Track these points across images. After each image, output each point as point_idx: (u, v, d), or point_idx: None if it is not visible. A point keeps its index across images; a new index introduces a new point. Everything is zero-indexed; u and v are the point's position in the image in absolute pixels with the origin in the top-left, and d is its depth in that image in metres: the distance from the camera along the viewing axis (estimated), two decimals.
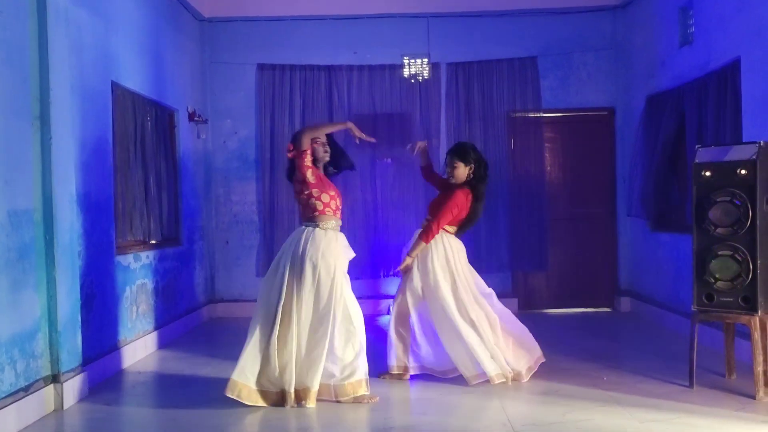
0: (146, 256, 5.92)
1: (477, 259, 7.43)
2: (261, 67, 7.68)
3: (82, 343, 4.62)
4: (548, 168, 7.71)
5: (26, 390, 3.96)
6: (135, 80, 5.77)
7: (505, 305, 4.94)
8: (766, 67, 4.77)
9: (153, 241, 6.16)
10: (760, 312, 4.15)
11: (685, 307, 6.06)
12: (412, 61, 7.53)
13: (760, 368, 4.15)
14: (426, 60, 7.47)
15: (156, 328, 6.03)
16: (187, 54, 7.16)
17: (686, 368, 4.57)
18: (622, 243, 7.63)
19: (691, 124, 5.96)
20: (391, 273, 4.61)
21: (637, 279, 7.37)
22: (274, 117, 7.67)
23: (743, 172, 4.19)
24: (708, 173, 4.36)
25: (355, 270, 7.63)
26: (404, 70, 7.51)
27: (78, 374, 4.43)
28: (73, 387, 4.34)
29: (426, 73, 7.54)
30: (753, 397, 4.16)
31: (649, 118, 6.80)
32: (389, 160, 7.72)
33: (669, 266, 6.48)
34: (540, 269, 7.56)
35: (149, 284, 5.95)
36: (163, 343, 6.11)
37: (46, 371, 4.20)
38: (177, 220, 6.77)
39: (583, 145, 7.73)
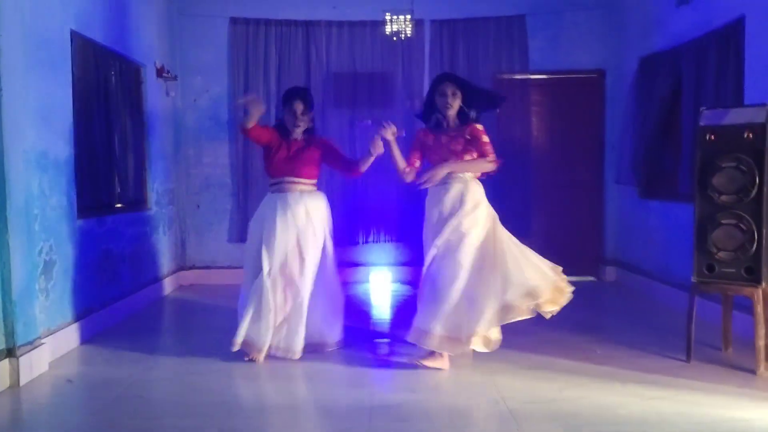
0: (111, 220, 5.54)
1: None
2: (234, 21, 7.24)
3: (41, 313, 4.28)
4: (534, 132, 7.43)
5: None
6: (97, 30, 5.33)
7: None
8: None
9: (119, 205, 5.78)
10: (764, 284, 3.94)
11: (676, 277, 5.88)
12: (395, 17, 7.08)
13: (761, 342, 3.95)
14: (409, 16, 7.05)
15: (123, 297, 5.68)
16: (155, 4, 6.68)
17: (680, 341, 4.39)
18: (609, 210, 7.41)
19: (688, 86, 5.70)
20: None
21: (624, 248, 7.17)
22: (248, 75, 7.25)
23: (750, 136, 3.95)
24: (712, 137, 4.11)
25: (333, 236, 7.38)
26: (386, 26, 7.08)
27: (36, 348, 4.08)
28: (30, 361, 4.00)
29: (409, 31, 7.12)
30: (753, 372, 3.97)
31: (641, 80, 6.53)
32: (369, 121, 7.34)
33: (659, 235, 6.28)
34: (521, 235, 7.29)
35: (115, 250, 5.59)
36: (131, 312, 5.77)
37: (1, 344, 3.85)
38: (144, 183, 6.38)
39: (572, 108, 7.45)
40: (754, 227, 3.92)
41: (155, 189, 6.57)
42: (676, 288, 5.84)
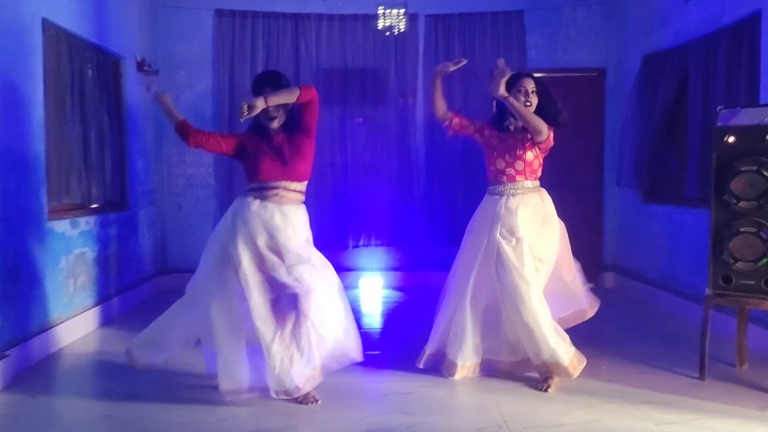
0: (86, 222, 5.20)
1: (453, 225, 6.88)
2: (219, 13, 6.90)
3: (6, 322, 3.96)
4: None
5: None
6: (72, 19, 4.99)
7: None
8: None
9: (94, 205, 5.44)
10: None
11: (681, 285, 5.62)
12: (388, 11, 6.79)
13: None
14: (403, 11, 6.75)
15: (97, 303, 5.35)
16: None
17: (691, 355, 4.16)
18: (608, 214, 7.14)
19: (695, 85, 5.43)
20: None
21: (624, 253, 6.90)
22: (234, 70, 6.91)
23: None
24: (732, 138, 3.83)
25: (322, 239, 7.07)
26: (379, 21, 6.78)
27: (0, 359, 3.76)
28: None
29: (402, 26, 6.83)
30: None
31: (645, 79, 6.26)
32: (361, 119, 7.06)
33: (662, 241, 6.00)
34: None
35: (89, 253, 5.25)
36: (105, 320, 5.44)
37: None
38: (123, 182, 6.04)
39: (571, 108, 6.92)
40: None
41: (135, 189, 6.23)
42: (680, 297, 5.58)
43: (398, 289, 7.00)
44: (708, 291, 3.93)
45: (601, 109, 7.12)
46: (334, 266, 7.12)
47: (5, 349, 3.89)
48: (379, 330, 5.36)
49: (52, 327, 4.59)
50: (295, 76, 6.91)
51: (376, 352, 4.56)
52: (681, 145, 5.74)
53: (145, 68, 6.34)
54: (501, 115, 4.07)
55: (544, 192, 4.07)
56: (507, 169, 3.94)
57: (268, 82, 3.63)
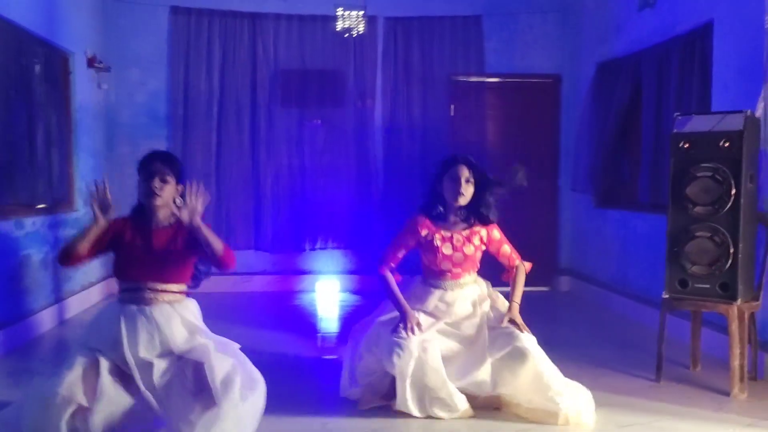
0: (32, 223, 5.01)
1: None
2: (175, 10, 6.75)
3: None
4: (490, 137, 7.17)
5: None
6: (18, 11, 4.80)
7: None
8: (744, 31, 4.33)
9: (41, 206, 5.24)
10: (739, 300, 3.73)
11: (633, 288, 5.72)
12: (347, 12, 6.74)
13: (736, 362, 3.74)
14: (362, 12, 6.71)
15: (44, 308, 5.15)
16: None
17: (646, 357, 4.27)
18: (563, 219, 7.22)
19: (648, 93, 5.53)
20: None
21: (579, 257, 6.99)
22: (189, 68, 6.77)
23: (727, 144, 3.74)
24: (687, 145, 3.89)
25: (278, 242, 6.98)
26: (338, 22, 6.73)
27: None
28: None
29: (361, 27, 6.79)
30: (727, 394, 3.76)
31: (599, 86, 6.35)
32: (319, 121, 6.99)
33: (615, 245, 6.10)
34: None
35: (36, 255, 5.05)
36: (53, 324, 5.25)
37: None
38: (71, 182, 5.84)
39: (527, 113, 7.23)
40: (730, 240, 3.72)
41: (84, 188, 6.03)
42: (632, 300, 5.67)
43: (355, 292, 6.94)
44: (665, 294, 3.99)
45: (557, 115, 7.21)
46: (289, 270, 7.05)
47: None
48: (336, 333, 5.29)
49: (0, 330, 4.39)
50: (252, 76, 6.83)
51: (334, 356, 4.49)
52: (634, 152, 5.84)
53: (96, 65, 6.16)
54: (434, 198, 3.63)
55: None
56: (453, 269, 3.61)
57: (158, 158, 3.14)
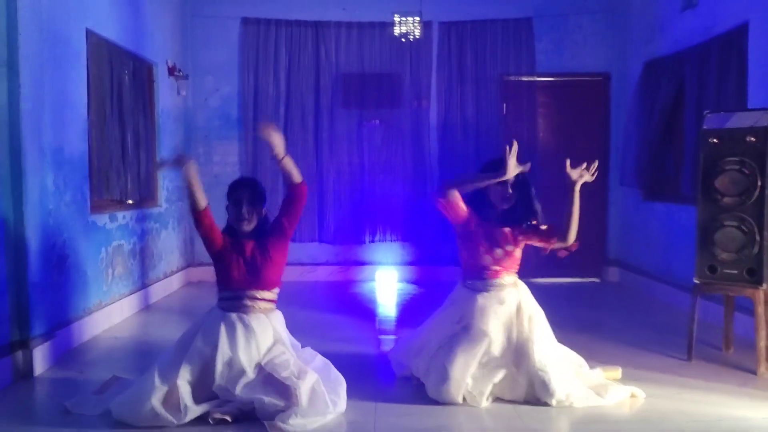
0: (123, 217, 5.63)
1: None
2: (245, 21, 7.33)
3: (54, 306, 4.37)
4: (541, 134, 7.50)
5: None
6: (111, 29, 5.42)
7: None
8: None
9: (130, 201, 5.87)
10: (765, 285, 4.00)
11: (676, 277, 5.95)
12: (404, 19, 7.16)
13: (763, 343, 4.02)
14: (418, 18, 7.12)
15: (133, 292, 5.78)
16: (168, 5, 6.79)
17: (681, 341, 4.48)
18: (612, 213, 7.48)
19: (690, 91, 5.77)
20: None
21: (627, 249, 7.24)
22: (258, 74, 7.35)
23: (753, 139, 4.02)
24: (716, 140, 4.17)
25: (340, 235, 7.49)
26: (395, 28, 7.16)
27: (48, 340, 4.18)
28: (43, 353, 4.09)
29: (417, 32, 7.20)
30: (754, 373, 4.03)
31: (645, 84, 6.60)
32: (377, 121, 7.45)
33: (661, 237, 6.34)
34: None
35: (126, 246, 5.68)
36: (140, 308, 5.88)
37: (15, 336, 3.94)
38: (155, 180, 6.47)
39: (577, 111, 7.52)
40: (756, 229, 3.99)
41: (165, 186, 6.67)
42: (677, 288, 5.91)
43: (412, 282, 7.38)
44: (695, 279, 4.28)
45: (606, 113, 7.46)
46: (351, 261, 7.54)
47: (53, 331, 4.30)
48: (394, 318, 5.74)
49: (94, 312, 5.02)
50: (316, 80, 7.34)
51: (393, 337, 4.93)
52: (678, 147, 6.07)
53: (176, 73, 6.78)
54: (480, 199, 3.78)
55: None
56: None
57: (245, 185, 3.59)
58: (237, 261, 3.48)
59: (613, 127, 7.43)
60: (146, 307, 6.00)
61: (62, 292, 4.56)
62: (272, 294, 3.57)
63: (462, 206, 3.71)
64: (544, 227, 3.76)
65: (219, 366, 3.29)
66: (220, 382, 3.30)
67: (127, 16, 5.73)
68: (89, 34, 5.01)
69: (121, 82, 5.66)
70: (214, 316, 3.50)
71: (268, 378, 3.30)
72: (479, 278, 3.75)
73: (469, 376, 3.50)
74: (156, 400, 3.18)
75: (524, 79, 7.41)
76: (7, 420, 3.32)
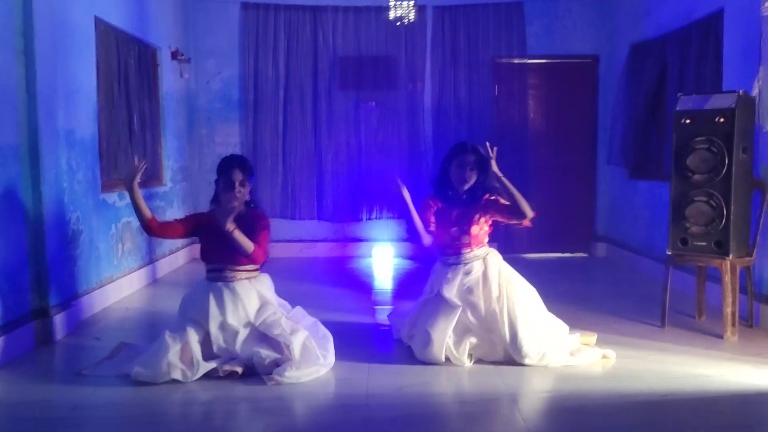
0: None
1: None
2: (245, 6, 7.57)
3: (70, 278, 4.68)
4: (531, 115, 7.77)
5: (16, 323, 4.02)
6: (118, 16, 5.68)
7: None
8: (747, 18, 4.81)
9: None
10: (731, 256, 4.30)
11: (659, 252, 6.24)
12: (399, 3, 7.37)
13: (729, 309, 4.33)
14: (412, 2, 7.33)
15: (141, 266, 6.10)
16: None
17: (658, 310, 4.76)
18: (600, 190, 7.77)
19: (672, 73, 6.03)
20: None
21: (614, 225, 7.53)
22: (258, 58, 7.60)
23: (721, 120, 4.29)
24: (687, 121, 4.45)
25: (338, 212, 7.79)
26: (390, 12, 7.38)
27: (66, 309, 4.49)
28: (61, 321, 4.41)
29: (412, 16, 7.40)
30: (721, 337, 4.35)
31: (631, 66, 6.85)
32: (373, 103, 7.72)
33: (645, 213, 6.64)
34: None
35: (134, 223, 5.96)
36: (148, 281, 6.19)
37: (36, 305, 4.26)
38: (160, 160, 6.76)
39: (567, 92, 7.78)
40: (723, 204, 4.28)
41: (170, 166, 6.95)
42: (658, 262, 6.20)
43: (407, 257, 7.69)
44: (668, 252, 4.58)
45: (595, 94, 7.73)
46: (348, 238, 7.83)
47: (69, 301, 4.62)
48: (389, 291, 6.06)
49: (106, 284, 5.33)
50: (314, 63, 7.60)
51: (390, 307, 5.25)
52: (661, 127, 6.35)
53: (179, 57, 7.03)
54: (443, 182, 4.09)
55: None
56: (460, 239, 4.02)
57: (237, 165, 3.80)
58: (216, 239, 3.71)
59: (601, 108, 7.70)
60: (154, 281, 6.31)
61: (77, 265, 4.87)
62: (253, 266, 3.83)
63: (431, 216, 4.06)
64: (503, 203, 3.99)
65: (213, 330, 3.65)
66: (220, 344, 3.65)
67: (132, 2, 5.99)
68: (98, 21, 5.27)
69: (128, 67, 5.93)
70: (202, 286, 3.82)
71: (263, 336, 3.66)
72: (450, 254, 4.06)
73: (448, 339, 3.84)
74: (173, 356, 3.53)
75: (515, 61, 7.66)
76: (34, 380, 3.65)
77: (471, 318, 3.91)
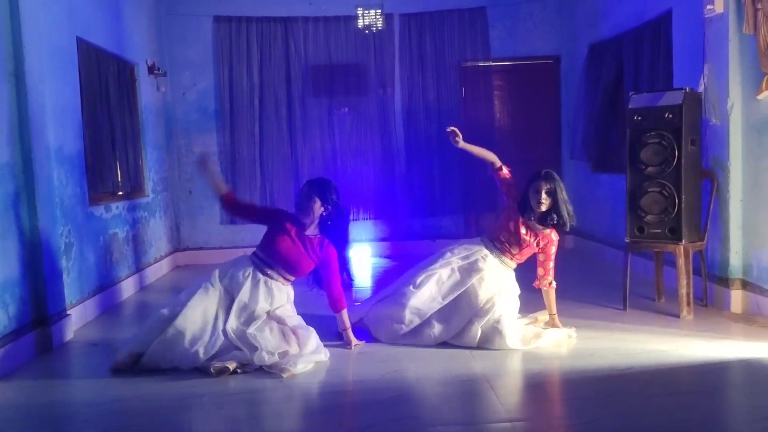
0: (116, 207, 6.14)
1: (432, 203, 7.93)
2: (217, 19, 7.81)
3: (66, 288, 4.89)
4: (498, 115, 8.12)
5: (17, 332, 4.24)
6: (97, 35, 5.90)
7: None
8: (694, 18, 5.19)
9: (121, 193, 6.37)
10: (684, 241, 4.67)
11: (621, 240, 6.59)
12: (366, 12, 7.71)
13: (683, 290, 4.69)
14: (379, 11, 7.67)
15: (129, 275, 6.31)
16: (144, 6, 7.25)
17: (621, 295, 5.11)
18: (566, 184, 7.97)
19: (628, 71, 6.41)
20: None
21: (580, 217, 7.78)
22: (233, 69, 7.84)
23: (670, 116, 4.66)
24: (640, 117, 4.81)
25: None
26: (359, 21, 7.71)
27: (63, 318, 4.71)
28: (59, 329, 4.63)
29: (379, 24, 7.76)
30: (678, 316, 4.72)
31: (590, 65, 7.23)
32: (346, 109, 8.01)
33: (607, 204, 7.01)
34: (490, 210, 8.05)
35: (120, 234, 6.20)
36: (136, 289, 6.41)
37: (35, 315, 4.47)
38: (142, 172, 6.97)
39: (531, 92, 8.15)
40: (675, 193, 4.65)
41: (151, 177, 7.17)
42: (621, 250, 6.56)
43: (385, 256, 7.98)
44: (626, 239, 4.94)
45: (557, 92, 8.11)
46: None
47: (65, 311, 4.83)
48: (369, 288, 6.35)
49: (98, 293, 5.55)
50: (287, 72, 7.88)
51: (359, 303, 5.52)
52: (621, 123, 6.71)
53: (155, 71, 7.25)
54: (524, 202, 4.47)
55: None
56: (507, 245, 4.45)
57: (309, 185, 4.29)
58: (285, 241, 4.14)
59: (563, 105, 8.08)
60: (141, 289, 6.53)
61: (70, 276, 5.08)
62: (292, 277, 4.27)
63: (511, 186, 4.59)
64: (550, 252, 4.56)
65: (235, 307, 3.99)
66: (235, 322, 3.98)
67: (111, 21, 6.21)
68: (79, 41, 5.49)
69: (108, 84, 6.14)
70: (245, 263, 4.17)
71: (275, 328, 4.03)
72: (497, 243, 4.48)
73: (418, 317, 4.31)
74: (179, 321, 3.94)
75: (481, 64, 8.00)
76: (40, 383, 3.89)
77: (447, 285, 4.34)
